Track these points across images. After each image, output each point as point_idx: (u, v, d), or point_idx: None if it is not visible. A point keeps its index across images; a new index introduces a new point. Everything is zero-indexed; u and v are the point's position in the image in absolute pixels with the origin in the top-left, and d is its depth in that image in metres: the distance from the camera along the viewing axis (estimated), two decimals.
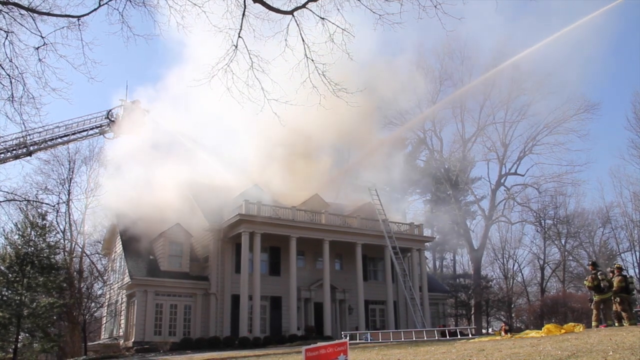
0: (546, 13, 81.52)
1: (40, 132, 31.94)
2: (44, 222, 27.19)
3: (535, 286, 62.23)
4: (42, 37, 12.46)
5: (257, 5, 12.20)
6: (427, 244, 44.30)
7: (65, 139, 36.87)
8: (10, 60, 12.41)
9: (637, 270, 54.57)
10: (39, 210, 26.33)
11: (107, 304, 37.46)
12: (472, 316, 54.32)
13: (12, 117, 13.18)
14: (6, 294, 25.61)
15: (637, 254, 55.55)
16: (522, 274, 63.56)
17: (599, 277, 17.91)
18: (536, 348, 10.78)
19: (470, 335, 30.44)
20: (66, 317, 31.40)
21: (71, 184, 40.97)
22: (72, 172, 41.41)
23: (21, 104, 12.90)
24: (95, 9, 12.41)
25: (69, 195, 39.88)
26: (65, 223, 39.65)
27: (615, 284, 17.46)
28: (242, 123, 35.79)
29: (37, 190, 38.75)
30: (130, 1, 12.29)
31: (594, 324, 17.78)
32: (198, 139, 38.07)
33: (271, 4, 12.25)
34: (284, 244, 34.79)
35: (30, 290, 25.73)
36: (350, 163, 46.47)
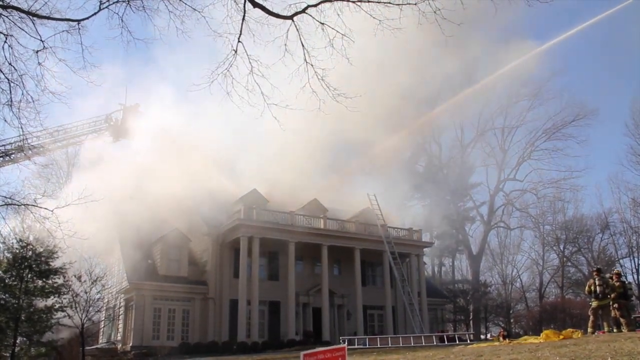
0: (546, 15, 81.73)
1: (39, 136, 31.87)
2: (43, 226, 27.04)
3: (534, 292, 62.18)
4: (42, 41, 12.43)
5: (257, 10, 12.22)
6: (425, 249, 44.29)
7: (64, 142, 36.90)
8: (10, 64, 12.38)
9: (636, 277, 54.55)
10: (37, 214, 26.14)
11: (105, 308, 37.30)
12: (471, 322, 54.24)
13: (10, 121, 13.11)
14: (4, 297, 25.48)
15: (636, 260, 55.57)
16: (521, 280, 63.59)
17: (597, 282, 17.84)
18: (534, 354, 10.77)
19: (468, 341, 30.40)
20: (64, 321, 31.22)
21: (70, 188, 40.86)
22: (71, 176, 41.34)
23: (20, 108, 12.83)
24: (95, 13, 12.37)
25: (67, 199, 39.75)
26: (64, 227, 39.48)
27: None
28: (242, 127, 35.82)
29: (36, 195, 38.56)
30: (131, 5, 12.26)
31: (589, 330, 17.71)
32: (197, 143, 38.02)
33: (271, 9, 12.27)
34: (282, 248, 34.74)
35: (28, 294, 25.60)
36: (349, 168, 46.47)
